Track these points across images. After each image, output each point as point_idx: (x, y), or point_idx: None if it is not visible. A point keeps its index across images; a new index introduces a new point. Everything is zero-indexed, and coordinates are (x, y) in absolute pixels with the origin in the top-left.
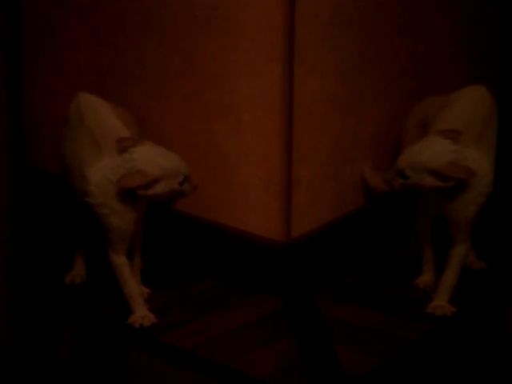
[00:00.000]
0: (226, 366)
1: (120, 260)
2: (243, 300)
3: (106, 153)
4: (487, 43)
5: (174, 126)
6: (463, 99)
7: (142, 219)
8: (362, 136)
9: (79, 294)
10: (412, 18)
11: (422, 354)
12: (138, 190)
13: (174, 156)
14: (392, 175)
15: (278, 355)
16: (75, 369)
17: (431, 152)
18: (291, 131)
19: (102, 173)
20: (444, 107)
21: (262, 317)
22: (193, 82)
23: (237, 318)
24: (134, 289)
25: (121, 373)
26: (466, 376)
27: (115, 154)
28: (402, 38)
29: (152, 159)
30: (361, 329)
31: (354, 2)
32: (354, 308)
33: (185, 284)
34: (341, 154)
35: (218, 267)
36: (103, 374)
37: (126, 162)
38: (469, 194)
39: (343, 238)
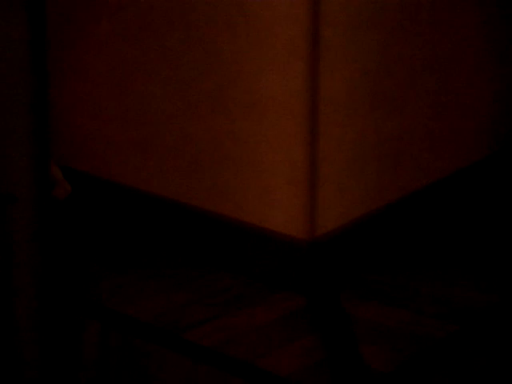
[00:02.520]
0: (251, 363)
1: None
2: (267, 298)
3: None
4: None
5: (198, 124)
6: None
7: None
8: (386, 134)
9: (106, 291)
10: (436, 16)
11: (446, 353)
12: None
13: None
14: None
15: (303, 353)
16: (100, 366)
17: None
18: (315, 128)
19: None
20: None
21: (286, 315)
22: (217, 79)
23: (260, 316)
24: None
25: (145, 370)
26: (491, 376)
27: None
28: (426, 37)
29: None
30: (385, 327)
31: (378, 1)
32: (379, 306)
33: (208, 281)
34: (365, 152)
35: (242, 265)
36: (128, 371)
37: None
38: None
39: (368, 236)
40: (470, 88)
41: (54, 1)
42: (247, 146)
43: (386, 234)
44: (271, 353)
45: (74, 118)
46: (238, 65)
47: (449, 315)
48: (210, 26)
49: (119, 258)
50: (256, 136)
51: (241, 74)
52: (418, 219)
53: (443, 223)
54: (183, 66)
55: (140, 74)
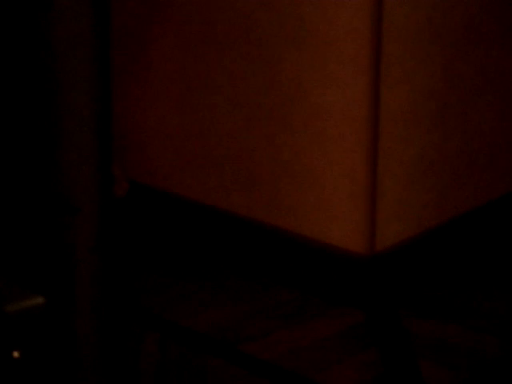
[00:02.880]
0: (309, 378)
1: None
2: (325, 312)
3: None
4: None
5: (259, 137)
6: None
7: None
8: (447, 150)
9: (165, 303)
10: (500, 31)
11: (506, 371)
12: None
13: None
14: None
15: (361, 368)
16: (158, 378)
17: None
18: (376, 143)
19: None
20: None
21: (345, 329)
22: (278, 94)
23: (319, 331)
24: None
25: (203, 383)
26: None
27: None
28: (491, 52)
29: None
30: (444, 344)
31: (441, 15)
32: (437, 323)
33: (267, 295)
34: (426, 168)
35: (301, 279)
36: (185, 383)
37: None
38: None
39: (428, 252)
40: None
41: (118, 16)
42: (308, 159)
43: (446, 250)
44: (329, 367)
45: (136, 130)
46: (300, 79)
47: (509, 333)
48: (273, 41)
49: (178, 270)
50: (317, 150)
51: (302, 89)
52: (479, 236)
53: (506, 240)
54: (245, 81)
55: (201, 89)
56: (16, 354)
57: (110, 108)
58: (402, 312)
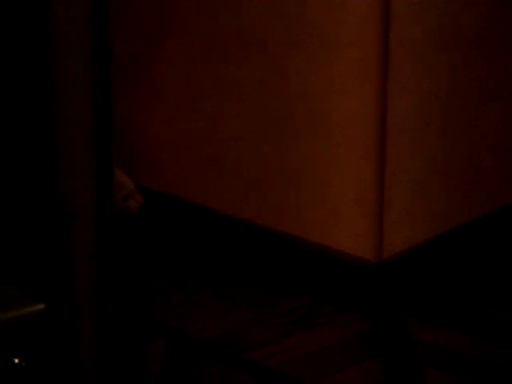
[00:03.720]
0: None
1: None
2: (332, 319)
3: None
4: None
5: (266, 143)
6: None
7: None
8: (455, 157)
9: (170, 309)
10: (508, 38)
11: (510, 378)
12: None
13: (117, 171)
14: None
15: (367, 376)
16: None
17: None
18: (384, 150)
19: None
20: None
21: (351, 337)
22: (286, 99)
23: (326, 338)
24: None
25: None
26: None
27: None
28: (498, 59)
29: None
30: (450, 351)
31: (449, 22)
32: (444, 330)
33: (274, 301)
34: (434, 174)
35: (308, 285)
36: None
37: None
38: None
39: (435, 259)
40: None
41: (127, 22)
42: (315, 165)
43: (454, 257)
44: (335, 375)
45: (145, 136)
46: (307, 86)
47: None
48: (280, 47)
49: (184, 276)
50: (324, 156)
51: (310, 95)
52: (486, 244)
53: (510, 248)
54: (252, 87)
55: (208, 95)
56: (16, 361)
57: (110, 114)
58: (408, 319)
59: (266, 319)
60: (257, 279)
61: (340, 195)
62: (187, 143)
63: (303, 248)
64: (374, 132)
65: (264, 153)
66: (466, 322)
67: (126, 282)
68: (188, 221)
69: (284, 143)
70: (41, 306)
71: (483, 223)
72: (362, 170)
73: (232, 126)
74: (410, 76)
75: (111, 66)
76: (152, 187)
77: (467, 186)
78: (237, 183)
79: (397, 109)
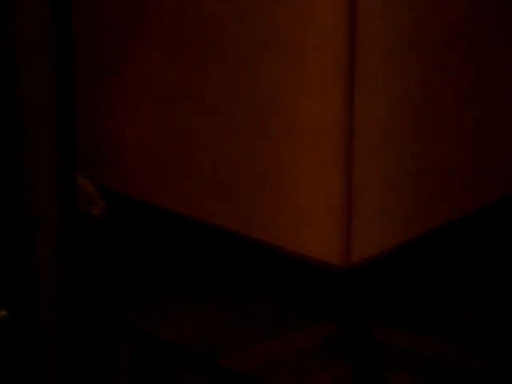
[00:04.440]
0: None
1: None
2: (302, 325)
3: None
4: None
5: (236, 147)
6: None
7: None
8: (426, 161)
9: (139, 315)
10: (481, 40)
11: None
12: None
13: (79, 177)
14: None
15: (336, 382)
16: None
17: None
18: (352, 154)
19: None
20: None
21: (320, 343)
22: (255, 104)
23: (294, 344)
24: None
25: None
26: None
27: None
28: (470, 62)
29: None
30: (420, 356)
31: (417, 24)
32: (414, 335)
33: (243, 307)
34: (404, 179)
35: (278, 291)
36: None
37: None
38: None
39: (406, 264)
40: None
41: (94, 23)
42: (285, 170)
43: (425, 261)
44: (304, 381)
45: (112, 139)
46: (276, 90)
47: (486, 345)
48: (249, 52)
49: (154, 282)
50: (293, 161)
51: (279, 99)
52: (458, 247)
53: (485, 251)
54: (222, 91)
55: (180, 99)
56: None
57: (72, 118)
58: (379, 324)
59: (236, 325)
60: (226, 285)
61: (309, 200)
62: (156, 146)
63: (272, 253)
64: (342, 136)
65: (233, 157)
66: (439, 327)
67: (94, 288)
68: (158, 226)
69: (253, 147)
70: (3, 313)
71: (456, 226)
72: (331, 175)
73: (202, 130)
74: (379, 78)
75: (74, 68)
76: (120, 191)
77: (440, 189)
78: (206, 188)
79: (365, 113)
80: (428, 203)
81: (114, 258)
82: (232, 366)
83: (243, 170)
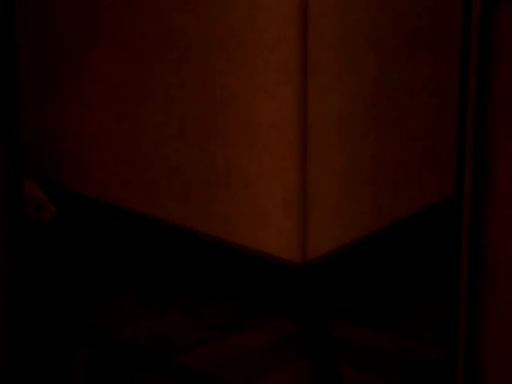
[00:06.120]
0: None
1: None
2: (260, 322)
3: None
4: None
5: (193, 147)
6: None
7: None
8: (381, 157)
9: (96, 315)
10: (436, 36)
11: (438, 379)
12: None
13: (27, 182)
14: None
15: (293, 378)
16: None
17: None
18: (305, 151)
19: None
20: None
21: (279, 339)
22: (210, 103)
23: (253, 340)
24: None
25: None
26: None
27: None
28: (424, 57)
29: None
30: (379, 352)
31: (372, 21)
32: (373, 330)
33: (198, 305)
34: (359, 175)
35: (234, 288)
36: None
37: None
38: None
39: (362, 260)
40: None
41: (50, 30)
42: (240, 169)
43: (381, 257)
44: (263, 377)
45: (71, 140)
46: (231, 88)
47: (441, 340)
48: (203, 51)
49: (112, 281)
50: (249, 158)
51: (233, 97)
52: (414, 242)
53: (441, 246)
54: (177, 90)
55: (136, 98)
56: None
57: (17, 120)
58: (334, 319)
59: (193, 323)
60: (183, 283)
61: (265, 197)
62: (115, 147)
63: (230, 250)
64: (296, 134)
65: (190, 155)
66: (396, 322)
67: (50, 289)
68: (115, 225)
69: (210, 145)
70: None
71: (412, 221)
72: (286, 172)
73: (158, 129)
74: (332, 76)
75: (16, 70)
76: (80, 191)
77: (395, 186)
78: (164, 187)
79: (319, 110)
80: (383, 200)
81: (72, 258)
82: (189, 364)
83: (200, 168)
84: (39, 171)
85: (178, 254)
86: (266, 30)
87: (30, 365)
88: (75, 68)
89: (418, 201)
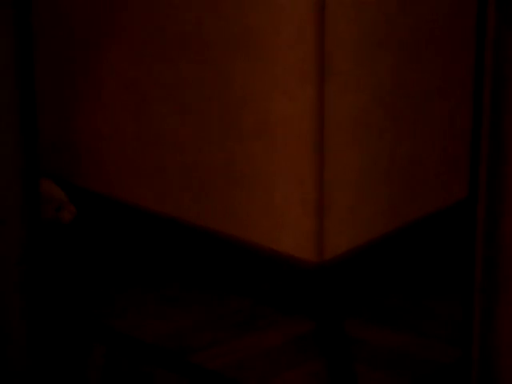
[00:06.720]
0: None
1: None
2: (275, 321)
3: None
4: None
5: (210, 145)
6: None
7: None
8: (398, 157)
9: (113, 314)
10: (451, 36)
11: (457, 378)
12: None
13: (46, 182)
14: None
15: (310, 378)
16: None
17: None
18: (324, 151)
19: None
20: None
21: (295, 338)
22: (228, 101)
23: (269, 340)
24: None
25: None
26: None
27: None
28: (440, 56)
29: None
30: (395, 351)
31: (387, 20)
32: (390, 330)
33: (217, 304)
34: (376, 175)
35: (252, 287)
36: None
37: None
38: None
39: (380, 259)
40: None
41: (69, 28)
42: (257, 167)
43: (397, 256)
44: (277, 377)
45: (88, 138)
46: (249, 87)
47: (461, 339)
48: (222, 51)
49: (127, 280)
50: (267, 158)
51: (251, 97)
52: (432, 242)
53: (459, 246)
54: (195, 89)
55: (154, 97)
56: None
57: (35, 119)
58: (353, 320)
59: (210, 322)
60: (199, 281)
61: (283, 196)
62: (131, 145)
63: (247, 249)
64: (313, 133)
65: (207, 155)
66: (414, 322)
67: (67, 288)
68: (133, 224)
69: (226, 145)
70: None
71: (428, 222)
72: (303, 172)
73: (177, 128)
74: (349, 76)
75: (35, 67)
76: (96, 190)
77: (411, 186)
78: (181, 186)
79: (336, 110)
80: (400, 199)
81: (89, 257)
82: (206, 363)
83: (218, 167)
84: (56, 170)
85: (194, 253)
86: (284, 29)
87: (47, 364)
88: (93, 67)
89: (434, 201)
